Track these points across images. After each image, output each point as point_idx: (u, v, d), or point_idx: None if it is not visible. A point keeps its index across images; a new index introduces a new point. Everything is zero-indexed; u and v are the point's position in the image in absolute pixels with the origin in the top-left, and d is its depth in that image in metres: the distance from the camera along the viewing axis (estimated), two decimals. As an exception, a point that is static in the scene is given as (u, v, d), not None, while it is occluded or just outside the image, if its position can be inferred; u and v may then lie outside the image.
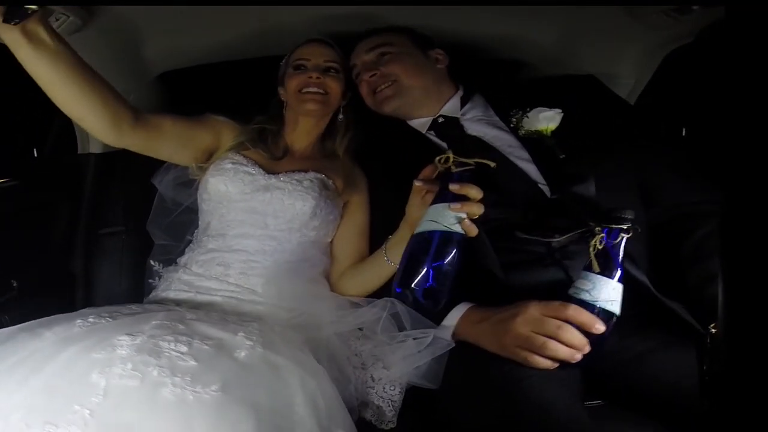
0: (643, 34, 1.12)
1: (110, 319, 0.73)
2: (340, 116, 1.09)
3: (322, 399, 0.72)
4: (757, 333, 0.36)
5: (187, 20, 1.09)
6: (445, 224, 0.72)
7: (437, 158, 0.75)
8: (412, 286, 0.71)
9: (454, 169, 0.74)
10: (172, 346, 0.67)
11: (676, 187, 0.94)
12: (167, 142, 0.96)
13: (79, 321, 0.71)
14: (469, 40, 1.24)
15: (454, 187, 0.73)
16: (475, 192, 0.73)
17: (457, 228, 0.72)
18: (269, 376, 0.70)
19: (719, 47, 0.93)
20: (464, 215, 0.72)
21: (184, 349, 0.67)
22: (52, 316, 0.75)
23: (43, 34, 0.73)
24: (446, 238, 0.72)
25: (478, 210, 0.73)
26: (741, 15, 0.36)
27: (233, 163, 0.97)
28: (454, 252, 0.72)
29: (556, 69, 1.28)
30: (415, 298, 0.72)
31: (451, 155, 0.74)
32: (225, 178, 0.95)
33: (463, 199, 0.73)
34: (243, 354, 0.71)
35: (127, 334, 0.68)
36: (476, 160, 0.74)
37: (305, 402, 0.69)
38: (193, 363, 0.65)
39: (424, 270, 0.71)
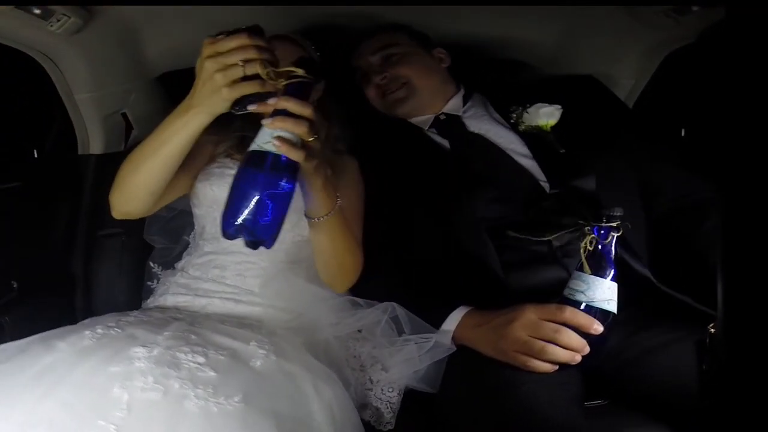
0: (643, 35, 1.12)
1: (118, 330, 0.72)
2: (318, 86, 1.03)
3: (337, 405, 0.73)
4: (756, 332, 0.36)
5: (187, 21, 1.09)
6: (258, 143, 0.63)
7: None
8: (231, 219, 0.62)
9: (279, 85, 0.65)
10: (190, 357, 0.67)
11: (680, 179, 0.94)
12: (182, 191, 0.96)
13: (87, 332, 0.70)
14: (467, 40, 1.25)
15: (271, 101, 0.64)
16: (295, 106, 0.63)
17: (270, 147, 0.62)
18: (286, 385, 0.70)
19: (720, 48, 0.93)
20: (281, 132, 0.62)
21: (201, 360, 0.67)
22: (58, 329, 0.74)
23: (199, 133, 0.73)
24: (258, 158, 0.62)
25: (294, 127, 0.63)
26: (741, 16, 0.36)
27: (219, 167, 0.96)
28: (262, 175, 0.61)
29: (556, 69, 1.29)
30: (227, 233, 0.64)
31: (267, 66, 0.64)
32: (211, 182, 0.94)
33: (282, 114, 0.63)
34: (259, 363, 0.71)
35: (142, 346, 0.67)
36: (291, 69, 0.65)
37: (322, 409, 0.70)
38: (212, 374, 0.65)
39: (231, 198, 0.62)
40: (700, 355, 0.72)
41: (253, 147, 0.63)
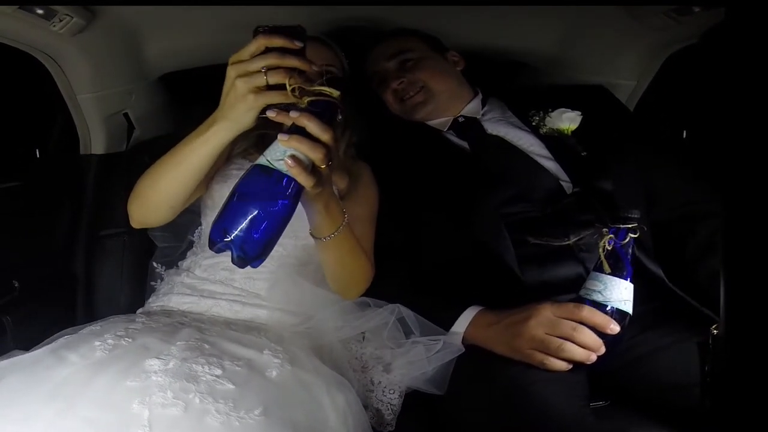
0: (644, 36, 1.12)
1: (129, 340, 0.71)
2: (339, 117, 1.05)
3: (350, 411, 0.73)
4: (758, 334, 0.36)
5: (189, 21, 1.09)
6: (268, 158, 0.59)
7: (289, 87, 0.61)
8: (223, 232, 0.58)
9: (302, 103, 0.61)
10: (207, 369, 0.66)
11: (677, 189, 0.95)
12: (199, 193, 0.93)
13: (98, 343, 0.69)
14: (470, 42, 1.25)
15: (293, 114, 0.59)
16: (313, 126, 0.59)
17: (280, 165, 0.58)
18: (302, 395, 0.70)
19: (720, 49, 0.93)
20: (296, 152, 0.59)
21: (218, 372, 0.67)
22: (65, 338, 0.73)
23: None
24: (263, 173, 0.59)
25: (311, 151, 0.59)
26: (741, 16, 0.36)
27: (237, 169, 0.94)
28: (267, 193, 0.58)
29: (557, 70, 1.29)
30: (215, 244, 0.60)
31: (294, 82, 0.60)
32: (228, 184, 0.92)
33: (299, 132, 0.59)
34: (274, 373, 0.71)
35: (157, 358, 0.67)
36: (321, 89, 0.61)
37: (337, 418, 0.70)
38: (230, 386, 0.65)
39: (226, 209, 0.59)
40: (703, 356, 0.72)
41: (262, 161, 0.59)
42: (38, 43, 0.96)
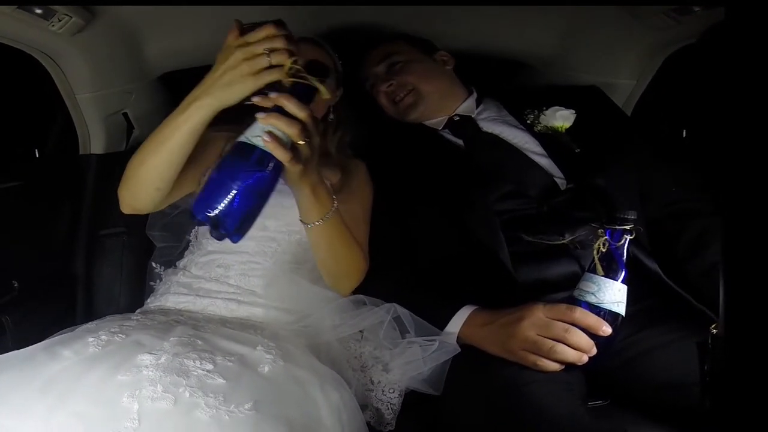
0: (644, 35, 1.12)
1: (123, 336, 0.72)
2: (331, 116, 1.05)
3: (344, 408, 0.73)
4: (758, 334, 0.36)
5: (188, 21, 1.09)
6: (247, 135, 0.62)
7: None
8: (204, 206, 0.61)
9: (285, 83, 0.65)
10: (198, 364, 0.67)
11: (670, 187, 0.95)
12: (192, 186, 0.93)
13: (91, 339, 0.70)
14: (470, 43, 1.25)
15: (272, 95, 0.64)
16: (291, 106, 0.63)
17: (257, 141, 0.61)
18: (295, 391, 0.70)
19: (720, 49, 0.94)
20: (273, 129, 0.62)
21: (209, 366, 0.67)
22: (60, 336, 0.74)
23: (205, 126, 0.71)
24: (242, 150, 0.62)
25: (287, 126, 0.62)
26: (741, 16, 0.36)
27: None
28: (244, 168, 0.61)
29: (557, 70, 1.29)
30: (196, 218, 0.62)
31: (294, 62, 0.64)
32: None
33: (278, 111, 0.63)
34: (267, 369, 0.71)
35: (149, 353, 0.67)
36: (311, 77, 0.65)
37: (330, 414, 0.70)
38: (221, 381, 0.65)
39: (207, 184, 0.62)
40: (702, 355, 0.72)
41: (242, 138, 0.63)
42: (37, 43, 0.96)
